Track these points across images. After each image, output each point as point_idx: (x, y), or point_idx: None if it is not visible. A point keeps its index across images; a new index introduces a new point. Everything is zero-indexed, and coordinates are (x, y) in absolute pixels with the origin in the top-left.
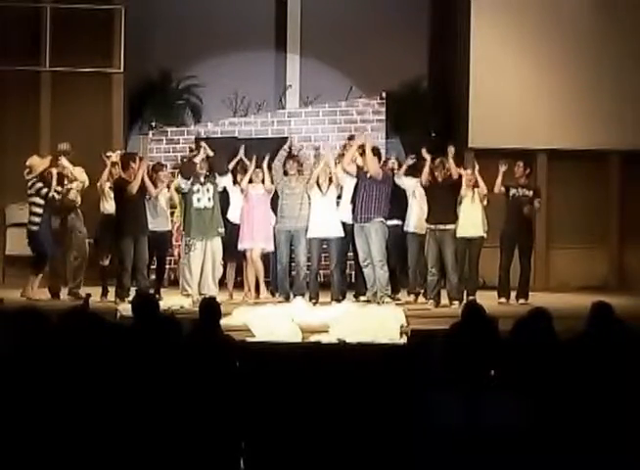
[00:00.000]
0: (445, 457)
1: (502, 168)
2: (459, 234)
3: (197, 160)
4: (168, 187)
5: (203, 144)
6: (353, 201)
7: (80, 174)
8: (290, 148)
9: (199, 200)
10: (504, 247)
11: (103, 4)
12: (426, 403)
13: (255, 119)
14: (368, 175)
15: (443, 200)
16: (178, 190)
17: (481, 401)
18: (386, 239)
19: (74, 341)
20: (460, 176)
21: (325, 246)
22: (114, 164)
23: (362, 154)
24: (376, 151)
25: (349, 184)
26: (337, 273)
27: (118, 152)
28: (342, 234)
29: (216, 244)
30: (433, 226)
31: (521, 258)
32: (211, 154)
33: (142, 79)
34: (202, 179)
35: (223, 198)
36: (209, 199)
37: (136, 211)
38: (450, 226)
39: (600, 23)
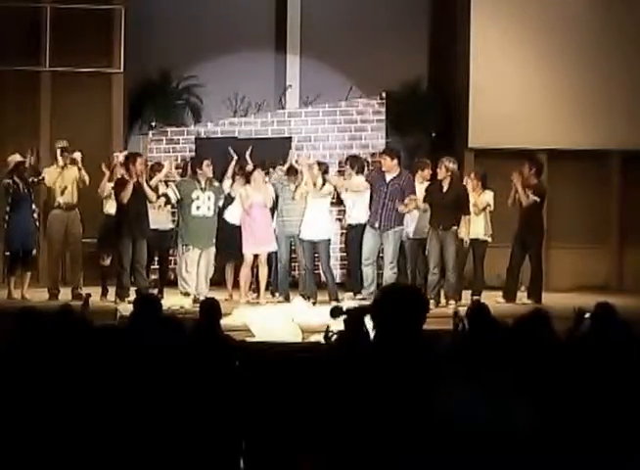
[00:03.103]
0: (464, 455)
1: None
2: (462, 234)
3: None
4: (167, 184)
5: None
6: (374, 207)
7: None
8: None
9: (198, 208)
10: (512, 249)
11: (103, 4)
12: (446, 401)
13: (255, 119)
14: (389, 179)
15: (447, 207)
16: (165, 195)
17: (503, 401)
18: (399, 242)
19: (69, 341)
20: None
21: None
22: (119, 164)
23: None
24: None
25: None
26: (330, 273)
27: (126, 152)
28: (330, 236)
29: (212, 251)
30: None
31: (531, 261)
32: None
33: (142, 79)
34: (202, 185)
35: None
36: (209, 208)
37: (136, 212)
38: (454, 228)
39: (601, 24)
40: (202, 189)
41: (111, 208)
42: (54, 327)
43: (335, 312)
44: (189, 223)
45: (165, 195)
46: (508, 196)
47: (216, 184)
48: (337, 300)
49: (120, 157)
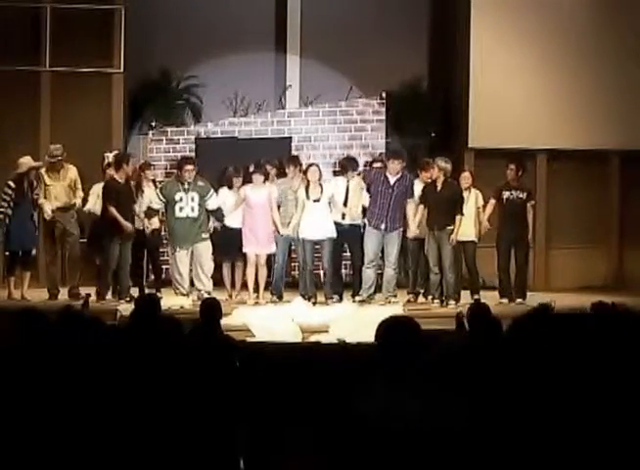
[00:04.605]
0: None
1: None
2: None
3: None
4: (155, 185)
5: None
6: (379, 209)
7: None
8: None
9: (181, 209)
10: (500, 249)
11: (103, 4)
12: (355, 402)
13: (255, 119)
14: (394, 181)
15: (443, 206)
16: (150, 208)
17: (402, 392)
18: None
19: (71, 341)
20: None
21: (317, 246)
22: (109, 165)
23: None
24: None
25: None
26: (329, 273)
27: (115, 152)
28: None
29: (201, 246)
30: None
31: (517, 260)
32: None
33: (142, 79)
34: (186, 186)
35: None
36: (193, 208)
37: (125, 213)
38: (449, 227)
39: (600, 23)
40: (184, 190)
41: (95, 205)
42: (58, 327)
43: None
44: (173, 225)
45: (149, 208)
46: (501, 199)
47: (201, 184)
48: (331, 299)
49: (110, 157)
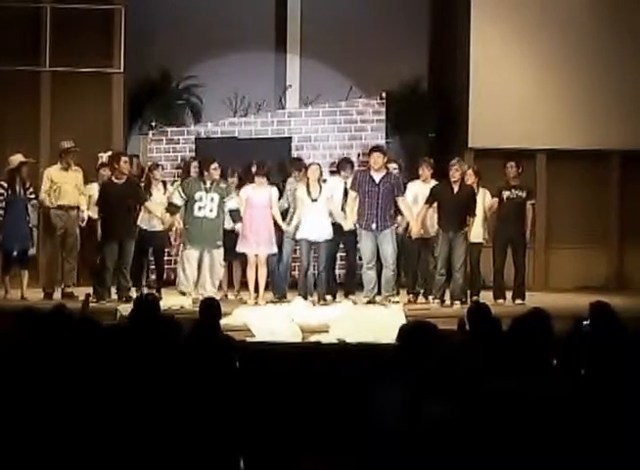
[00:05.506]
0: (391, 458)
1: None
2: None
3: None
4: (165, 186)
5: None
6: (367, 209)
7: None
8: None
9: (200, 208)
10: (497, 248)
11: (103, 4)
12: (373, 401)
13: (255, 119)
14: (379, 179)
15: (459, 209)
16: (172, 205)
17: (423, 399)
18: (395, 240)
19: (63, 341)
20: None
21: (315, 246)
22: (102, 165)
23: None
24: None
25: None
26: (325, 274)
27: (110, 152)
28: (330, 236)
29: (216, 253)
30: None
31: (515, 259)
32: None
33: (142, 79)
34: (207, 186)
35: None
36: (212, 209)
37: (122, 213)
38: (464, 229)
39: (600, 23)
40: (206, 190)
41: (91, 212)
42: (50, 326)
43: None
44: (190, 223)
45: (171, 204)
46: (500, 198)
47: (223, 185)
48: (325, 300)
49: (105, 157)
